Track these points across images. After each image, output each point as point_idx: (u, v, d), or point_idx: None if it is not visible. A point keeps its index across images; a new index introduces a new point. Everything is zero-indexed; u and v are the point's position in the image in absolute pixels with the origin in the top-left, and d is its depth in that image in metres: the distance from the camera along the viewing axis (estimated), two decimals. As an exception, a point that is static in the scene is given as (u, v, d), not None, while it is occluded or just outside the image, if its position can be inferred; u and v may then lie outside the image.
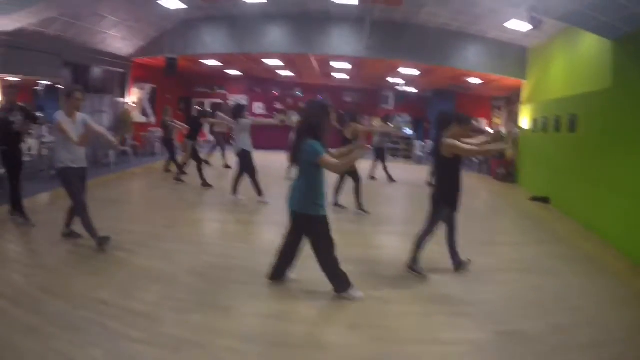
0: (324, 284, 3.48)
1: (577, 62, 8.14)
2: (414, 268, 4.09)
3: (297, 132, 3.46)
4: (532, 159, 10.38)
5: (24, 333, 2.75)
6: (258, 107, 18.35)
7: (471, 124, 4.08)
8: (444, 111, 4.10)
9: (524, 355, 2.83)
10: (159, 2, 9.60)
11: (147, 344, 2.76)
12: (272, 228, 5.66)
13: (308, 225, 3.41)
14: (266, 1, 10.10)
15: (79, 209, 4.46)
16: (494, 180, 11.85)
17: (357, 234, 5.74)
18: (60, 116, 4.28)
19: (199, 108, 9.21)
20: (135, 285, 3.69)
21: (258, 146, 14.41)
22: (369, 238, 5.81)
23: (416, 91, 16.71)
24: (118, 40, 11.34)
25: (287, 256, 3.64)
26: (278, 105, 18.31)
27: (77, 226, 4.64)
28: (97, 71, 11.65)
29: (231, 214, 6.82)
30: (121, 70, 12.59)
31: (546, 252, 5.39)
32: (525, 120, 11.10)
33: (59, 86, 10.23)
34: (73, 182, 4.44)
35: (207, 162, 10.63)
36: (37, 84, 11.67)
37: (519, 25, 8.99)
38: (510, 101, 14.15)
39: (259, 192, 7.16)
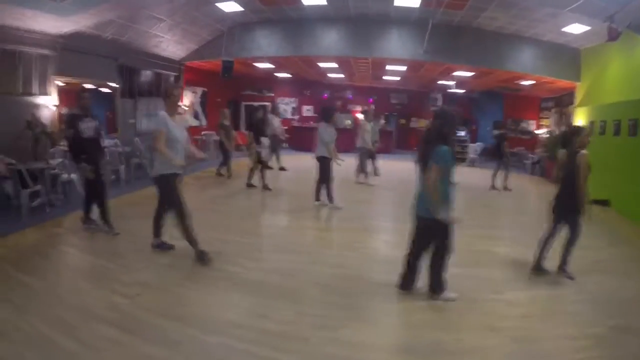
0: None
1: (635, 66, 8.16)
2: (538, 269, 4.47)
3: (426, 138, 3.53)
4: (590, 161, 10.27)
5: None
6: (307, 110, 18.68)
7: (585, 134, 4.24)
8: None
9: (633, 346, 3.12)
10: (216, 4, 10.04)
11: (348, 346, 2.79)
12: (370, 235, 6.03)
13: (437, 229, 3.51)
14: (326, 3, 10.38)
15: (181, 217, 4.27)
16: (550, 183, 11.73)
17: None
18: (163, 118, 4.16)
19: (261, 112, 9.18)
20: (261, 303, 3.57)
21: (302, 148, 15.04)
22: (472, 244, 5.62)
23: (463, 92, 16.63)
24: (172, 43, 11.70)
25: (415, 265, 3.73)
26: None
27: (165, 236, 4.70)
28: (150, 74, 12.01)
29: (318, 220, 6.85)
30: (174, 73, 13.05)
31: (618, 254, 5.60)
32: (580, 123, 10.99)
33: (105, 90, 10.62)
34: (174, 188, 4.28)
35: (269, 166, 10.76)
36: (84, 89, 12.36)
37: (576, 29, 9.05)
38: (561, 103, 13.98)
39: (331, 199, 7.16)
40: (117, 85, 10.49)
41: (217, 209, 7.19)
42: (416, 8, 10.14)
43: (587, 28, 9.11)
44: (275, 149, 11.12)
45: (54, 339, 2.78)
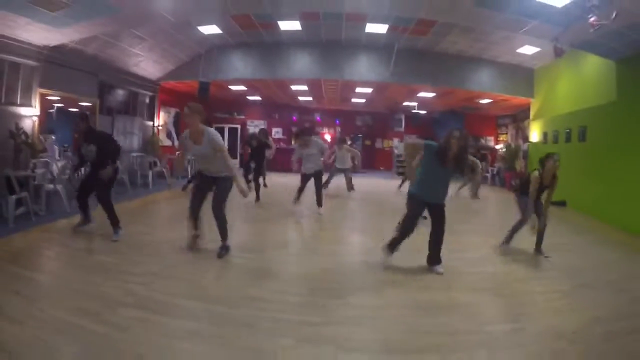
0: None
1: (583, 79, 9.41)
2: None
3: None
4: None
5: (184, 338, 2.68)
6: (276, 132, 19.12)
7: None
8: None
9: (595, 299, 3.88)
10: (198, 27, 10.49)
11: (333, 324, 3.02)
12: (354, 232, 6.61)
13: (443, 211, 4.38)
14: (300, 29, 11.04)
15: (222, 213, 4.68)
16: (509, 192, 12.70)
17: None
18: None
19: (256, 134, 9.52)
20: (275, 283, 3.91)
21: (283, 169, 15.44)
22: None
23: (425, 112, 17.65)
24: (151, 63, 11.86)
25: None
26: (295, 129, 19.04)
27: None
28: (127, 93, 12.08)
29: (309, 222, 7.37)
30: (150, 93, 13.18)
31: (577, 239, 6.68)
32: (535, 134, 12.10)
33: (73, 110, 10.40)
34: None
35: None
36: (53, 107, 12.26)
37: (528, 50, 10.22)
38: (517, 118, 15.25)
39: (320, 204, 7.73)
40: (95, 102, 10.48)
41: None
42: (384, 34, 11.01)
43: (538, 49, 10.23)
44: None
45: (79, 324, 2.84)
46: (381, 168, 19.43)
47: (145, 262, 4.39)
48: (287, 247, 5.59)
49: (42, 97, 8.50)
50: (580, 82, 9.56)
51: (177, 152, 4.84)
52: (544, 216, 5.20)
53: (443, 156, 4.11)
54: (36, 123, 8.28)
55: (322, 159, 7.70)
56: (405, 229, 4.42)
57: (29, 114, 8.11)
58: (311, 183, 7.66)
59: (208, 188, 4.71)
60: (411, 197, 4.44)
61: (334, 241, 5.92)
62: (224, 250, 4.71)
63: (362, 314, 3.29)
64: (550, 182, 5.11)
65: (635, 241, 6.47)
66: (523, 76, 12.20)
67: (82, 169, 6.04)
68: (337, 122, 19.13)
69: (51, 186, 6.80)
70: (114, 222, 5.33)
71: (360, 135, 19.29)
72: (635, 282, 4.54)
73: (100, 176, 5.16)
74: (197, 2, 7.63)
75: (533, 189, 5.07)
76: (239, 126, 18.96)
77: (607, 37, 6.80)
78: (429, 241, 4.48)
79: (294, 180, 12.93)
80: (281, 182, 12.75)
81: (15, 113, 7.79)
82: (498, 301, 3.73)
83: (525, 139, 13.43)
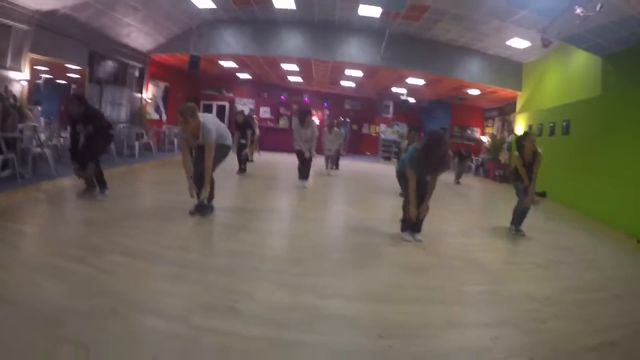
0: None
1: (569, 75, 9.65)
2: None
3: None
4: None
5: (166, 281, 2.80)
6: (264, 112, 19.10)
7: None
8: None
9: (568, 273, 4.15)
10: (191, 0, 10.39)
11: (312, 275, 3.16)
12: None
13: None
14: (294, 7, 11.03)
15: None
16: (493, 182, 13.15)
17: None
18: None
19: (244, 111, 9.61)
20: (260, 238, 4.10)
21: (270, 148, 15.58)
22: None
23: (414, 101, 17.85)
24: (142, 34, 11.72)
25: None
26: (283, 110, 19.09)
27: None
28: (117, 64, 11.94)
29: (296, 192, 7.57)
30: (140, 65, 13.02)
31: (554, 225, 6.91)
32: (520, 127, 12.42)
33: (61, 81, 10.46)
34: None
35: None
36: (40, 77, 12.05)
37: (518, 43, 10.42)
38: (504, 111, 15.57)
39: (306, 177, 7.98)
40: (84, 71, 10.36)
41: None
42: (377, 18, 11.08)
43: (528, 43, 10.42)
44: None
45: (64, 266, 2.90)
46: (367, 153, 19.63)
47: (130, 218, 4.50)
48: (271, 211, 5.76)
49: (32, 64, 8.38)
50: (566, 77, 9.81)
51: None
52: (530, 195, 5.37)
53: (432, 159, 4.18)
54: (25, 88, 8.18)
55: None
56: (407, 202, 4.51)
57: (19, 78, 8.00)
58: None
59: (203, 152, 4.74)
60: (403, 175, 4.55)
61: (317, 209, 6.16)
62: (208, 209, 4.80)
63: (341, 269, 3.46)
64: (533, 158, 5.28)
65: (611, 231, 6.76)
66: (512, 69, 12.40)
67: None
68: (325, 105, 19.18)
69: (38, 149, 6.73)
70: (101, 182, 5.42)
71: (347, 120, 19.41)
72: (606, 262, 4.86)
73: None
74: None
75: (519, 166, 5.29)
76: (227, 104, 18.85)
77: (594, 31, 7.01)
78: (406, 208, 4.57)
79: (279, 158, 13.23)
80: (267, 159, 12.87)
81: (4, 76, 7.68)
82: (474, 267, 3.92)
83: (511, 131, 13.76)
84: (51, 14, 8.40)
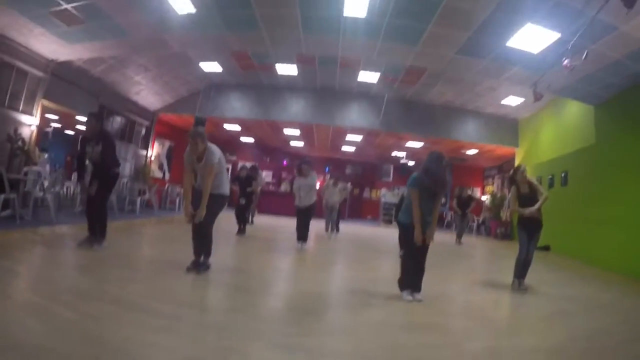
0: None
1: (564, 126, 9.97)
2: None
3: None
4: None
5: (154, 333, 2.64)
6: (266, 175, 19.31)
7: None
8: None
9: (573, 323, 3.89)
10: (200, 63, 11.00)
11: (306, 335, 2.94)
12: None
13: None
14: (297, 74, 11.64)
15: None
16: (494, 240, 12.99)
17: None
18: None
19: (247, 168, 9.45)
20: (255, 298, 3.89)
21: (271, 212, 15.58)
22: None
23: (414, 164, 18.12)
24: (151, 93, 12.26)
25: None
26: (285, 175, 19.36)
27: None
28: (125, 119, 12.27)
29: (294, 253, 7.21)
30: (147, 123, 13.46)
31: (563, 276, 6.79)
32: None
33: (69, 132, 10.70)
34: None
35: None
36: (50, 126, 12.40)
37: (513, 101, 10.91)
38: (503, 169, 15.80)
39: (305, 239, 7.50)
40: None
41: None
42: (375, 83, 11.65)
43: (522, 100, 10.85)
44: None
45: (51, 308, 2.81)
46: (368, 217, 19.58)
47: (125, 269, 4.37)
48: (268, 271, 5.45)
49: (43, 111, 8.70)
50: (561, 129, 10.11)
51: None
52: (533, 247, 5.21)
53: (435, 182, 4.11)
54: (34, 133, 8.42)
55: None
56: (406, 260, 4.34)
57: (29, 123, 8.26)
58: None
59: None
60: (405, 226, 4.41)
61: (316, 269, 5.92)
62: (203, 267, 4.56)
63: (337, 329, 3.23)
64: (530, 189, 5.19)
65: (615, 276, 6.61)
66: (508, 126, 12.83)
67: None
68: (327, 169, 19.50)
69: (40, 194, 6.76)
70: (103, 231, 5.24)
71: (349, 185, 19.54)
72: (613, 307, 4.67)
73: (102, 181, 5.14)
74: (203, 34, 8.10)
75: (513, 199, 5.21)
76: (230, 166, 19.19)
77: (583, 81, 7.35)
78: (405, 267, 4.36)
79: (280, 221, 13.15)
80: (268, 222, 12.81)
81: (15, 119, 7.95)
82: (477, 323, 3.68)
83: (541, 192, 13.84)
84: (66, 64, 8.87)
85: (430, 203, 4.29)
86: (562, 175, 9.51)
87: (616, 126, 7.75)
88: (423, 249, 4.26)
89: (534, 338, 3.32)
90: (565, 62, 5.86)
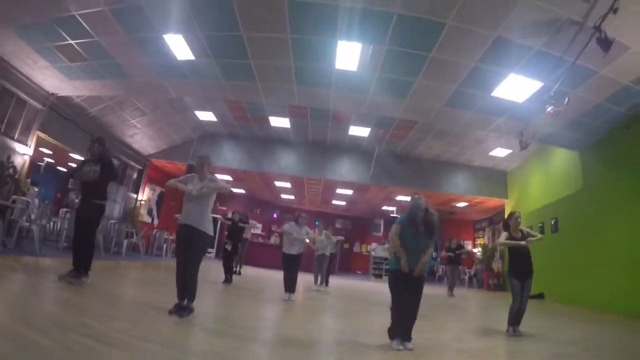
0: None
1: (552, 174, 10.22)
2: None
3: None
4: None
5: None
6: (256, 227, 19.15)
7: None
8: None
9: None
10: (195, 111, 11.28)
11: None
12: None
13: (421, 283, 4.16)
14: (290, 126, 11.92)
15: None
16: (487, 291, 12.78)
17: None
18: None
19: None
20: (237, 343, 3.70)
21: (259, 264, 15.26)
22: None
23: (404, 218, 18.09)
24: (145, 138, 12.37)
25: None
26: (275, 227, 19.19)
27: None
28: (118, 162, 11.97)
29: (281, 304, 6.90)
30: (139, 167, 13.47)
31: (559, 321, 6.68)
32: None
33: (61, 169, 10.64)
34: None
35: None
36: (43, 160, 12.21)
37: (500, 152, 11.23)
38: (493, 221, 15.83)
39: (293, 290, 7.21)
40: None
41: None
42: (365, 137, 11.96)
43: (509, 151, 11.16)
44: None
45: (25, 334, 2.73)
46: (358, 272, 19.24)
47: (105, 306, 4.19)
48: (252, 319, 5.13)
49: (38, 143, 8.74)
50: (549, 177, 10.36)
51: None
52: (526, 294, 5.10)
53: (414, 222, 4.24)
54: (27, 162, 8.43)
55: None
56: (396, 308, 4.17)
57: (23, 152, 8.28)
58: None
59: (185, 243, 4.43)
60: (392, 273, 4.40)
61: (302, 320, 5.64)
62: (187, 310, 4.30)
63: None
64: (522, 234, 5.26)
65: (612, 316, 6.54)
66: (496, 178, 13.05)
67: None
68: (317, 224, 19.36)
69: (27, 224, 6.68)
70: (87, 265, 5.07)
71: (340, 238, 19.35)
72: (612, 345, 4.64)
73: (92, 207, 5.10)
74: (200, 81, 8.36)
75: (505, 241, 5.22)
76: (220, 217, 18.97)
77: (567, 127, 7.67)
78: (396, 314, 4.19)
79: (268, 273, 12.83)
80: (255, 273, 12.51)
81: (9, 146, 7.97)
82: None
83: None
84: (65, 100, 9.08)
85: (415, 241, 4.25)
86: (552, 222, 9.61)
87: (602, 169, 7.99)
88: (415, 296, 4.14)
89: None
90: (549, 108, 6.11)
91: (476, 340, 4.87)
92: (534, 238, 5.18)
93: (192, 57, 7.32)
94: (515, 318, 5.03)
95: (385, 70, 7.06)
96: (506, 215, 12.80)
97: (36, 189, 9.37)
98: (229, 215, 9.53)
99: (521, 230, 5.31)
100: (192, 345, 3.41)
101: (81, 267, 5.00)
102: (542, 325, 5.86)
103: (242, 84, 8.34)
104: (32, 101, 8.36)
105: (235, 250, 8.95)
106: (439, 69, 6.76)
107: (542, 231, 10.09)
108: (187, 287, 4.33)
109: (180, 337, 3.59)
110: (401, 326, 4.06)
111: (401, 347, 3.96)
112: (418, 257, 4.17)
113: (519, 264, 5.16)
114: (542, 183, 10.83)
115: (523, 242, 5.09)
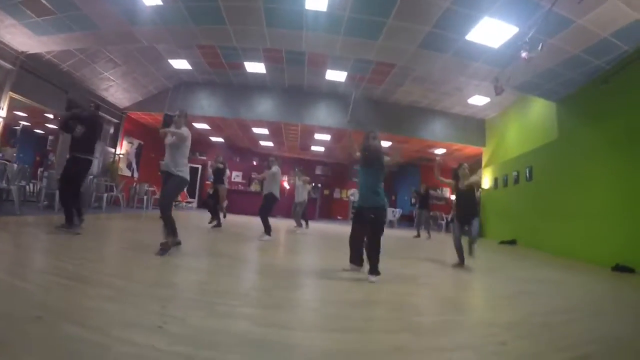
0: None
1: (528, 124, 10.32)
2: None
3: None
4: (495, 212, 12.03)
5: (98, 301, 2.66)
6: (236, 176, 19.21)
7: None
8: None
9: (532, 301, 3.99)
10: (169, 60, 10.91)
11: (251, 306, 2.98)
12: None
13: (378, 219, 4.45)
14: (265, 72, 11.66)
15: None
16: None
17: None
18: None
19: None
20: (207, 277, 3.92)
21: (241, 211, 15.44)
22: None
23: (384, 165, 18.35)
24: (120, 90, 12.00)
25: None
26: (255, 175, 19.18)
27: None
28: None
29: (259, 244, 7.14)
30: (116, 120, 13.14)
31: (527, 264, 6.94)
32: (487, 181, 12.86)
33: (38, 131, 10.44)
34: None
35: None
36: (19, 124, 11.90)
37: (479, 100, 11.15)
38: (471, 169, 16.12)
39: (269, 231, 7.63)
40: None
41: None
42: (342, 82, 11.78)
43: (488, 99, 11.18)
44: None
45: (2, 277, 2.86)
46: (339, 217, 19.70)
47: (83, 251, 4.28)
48: (228, 257, 5.30)
49: (11, 105, 8.44)
50: (526, 127, 10.48)
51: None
52: (474, 235, 5.66)
53: (362, 158, 4.44)
54: (1, 125, 8.16)
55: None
56: (350, 237, 4.58)
57: None
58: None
59: (163, 186, 4.93)
60: (355, 207, 4.65)
61: (276, 256, 5.90)
62: (163, 248, 4.51)
63: (283, 303, 3.19)
64: (467, 187, 5.70)
65: (582, 265, 6.83)
66: (475, 126, 13.15)
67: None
68: (297, 170, 19.49)
69: (5, 185, 6.63)
70: (70, 217, 5.24)
71: (319, 185, 19.67)
72: (578, 290, 4.80)
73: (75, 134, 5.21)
74: (170, 27, 8.00)
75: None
76: (200, 166, 18.95)
77: (542, 76, 7.63)
78: (350, 242, 4.63)
79: (249, 219, 13.05)
80: (238, 220, 12.70)
81: None
82: (432, 300, 3.72)
83: (478, 187, 14.26)
84: (36, 57, 8.68)
85: (364, 178, 4.45)
86: (527, 170, 9.84)
87: (577, 121, 8.08)
88: (374, 227, 4.37)
89: (491, 314, 3.35)
90: (524, 54, 6.09)
91: (442, 276, 5.10)
92: (468, 181, 5.72)
93: (159, 2, 6.97)
94: (462, 253, 5.71)
95: (355, 10, 6.88)
96: (483, 163, 13.20)
97: (14, 153, 9.07)
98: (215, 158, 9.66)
99: (469, 184, 5.74)
100: (162, 280, 3.52)
101: (73, 219, 5.25)
102: (511, 266, 6.25)
103: (212, 27, 7.98)
104: (1, 61, 7.97)
105: (217, 193, 9.15)
106: (410, 10, 6.58)
107: (517, 179, 10.44)
108: (164, 225, 4.66)
109: (152, 274, 3.71)
110: (353, 252, 4.53)
111: (348, 268, 4.46)
112: (366, 194, 4.36)
113: (460, 209, 5.79)
114: (518, 133, 10.96)
115: (451, 181, 5.93)
